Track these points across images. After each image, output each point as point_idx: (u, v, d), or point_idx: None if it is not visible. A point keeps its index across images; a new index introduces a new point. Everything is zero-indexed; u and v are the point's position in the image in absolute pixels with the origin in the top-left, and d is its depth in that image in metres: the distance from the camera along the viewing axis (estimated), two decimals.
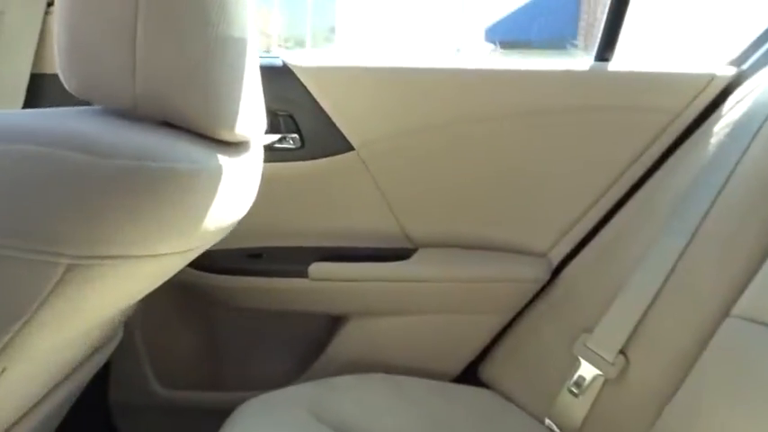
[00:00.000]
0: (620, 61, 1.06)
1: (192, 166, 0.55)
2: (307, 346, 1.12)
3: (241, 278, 1.04)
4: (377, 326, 1.07)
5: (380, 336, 1.08)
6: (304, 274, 1.03)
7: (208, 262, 1.04)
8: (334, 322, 1.11)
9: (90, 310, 0.55)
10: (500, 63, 1.03)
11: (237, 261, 1.05)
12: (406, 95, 1.01)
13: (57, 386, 0.76)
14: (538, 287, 1.05)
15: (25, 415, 0.69)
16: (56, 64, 1.01)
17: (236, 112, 0.63)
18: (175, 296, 1.08)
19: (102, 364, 0.90)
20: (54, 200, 0.46)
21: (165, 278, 0.68)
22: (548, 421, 0.92)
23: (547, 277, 1.04)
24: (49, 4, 0.98)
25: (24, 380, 0.59)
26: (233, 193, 0.65)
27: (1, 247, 0.45)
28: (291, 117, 1.01)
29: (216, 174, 0.60)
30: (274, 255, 1.07)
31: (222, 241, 1.01)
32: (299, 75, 1.00)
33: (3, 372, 0.50)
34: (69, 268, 0.47)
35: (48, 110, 0.55)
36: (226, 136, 0.63)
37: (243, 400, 0.88)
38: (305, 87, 1.00)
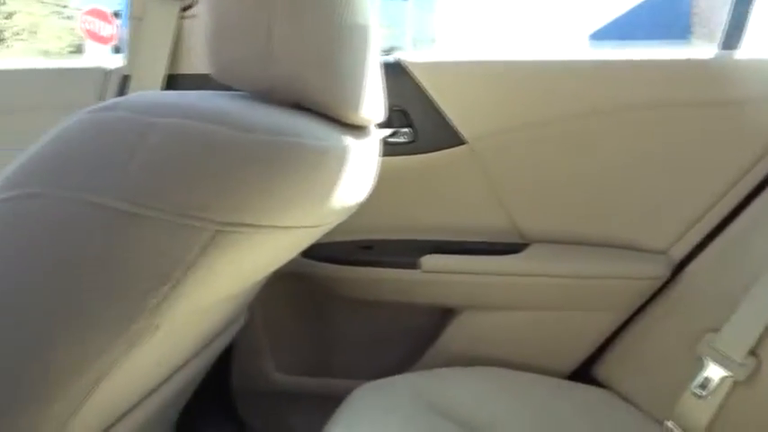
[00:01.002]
0: (750, 49, 1.01)
1: (321, 143, 0.58)
2: (416, 338, 1.13)
3: (353, 269, 1.07)
4: (488, 320, 1.06)
5: (491, 330, 1.07)
6: (415, 266, 1.04)
7: (321, 253, 1.07)
8: (444, 315, 1.11)
9: (229, 277, 0.58)
10: (617, 53, 1.00)
11: (349, 252, 1.08)
12: (520, 89, 1.00)
13: (185, 364, 0.80)
14: (657, 285, 1.01)
15: (155, 390, 0.74)
16: (190, 64, 1.07)
17: (361, 96, 0.65)
18: (291, 285, 1.12)
19: (224, 347, 0.94)
20: (202, 169, 0.49)
21: (294, 253, 0.71)
22: (670, 423, 0.87)
23: (667, 275, 1.00)
24: (183, 9, 1.05)
25: (169, 343, 0.63)
26: (355, 174, 0.67)
27: (155, 211, 0.49)
28: (404, 112, 1.03)
29: (342, 154, 0.62)
30: (385, 247, 1.08)
31: (335, 233, 1.04)
32: (412, 70, 1.02)
33: (157, 329, 0.53)
34: (214, 235, 0.50)
35: (194, 92, 0.59)
36: (351, 118, 0.65)
37: (354, 388, 0.90)
38: (418, 83, 1.02)
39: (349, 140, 0.64)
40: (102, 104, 0.51)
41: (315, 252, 1.07)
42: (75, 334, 0.50)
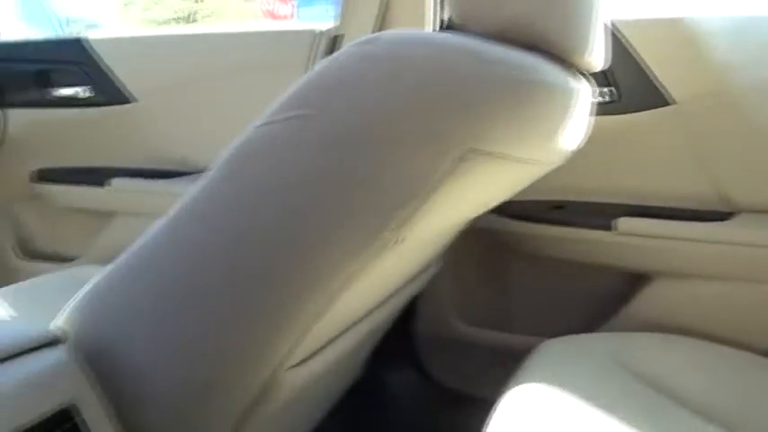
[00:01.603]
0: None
1: (554, 81, 0.60)
2: (601, 301, 1.12)
3: (544, 227, 1.08)
4: (683, 288, 1.03)
5: (686, 299, 1.03)
6: (609, 228, 1.03)
7: (513, 210, 1.09)
8: (636, 279, 1.09)
9: (466, 201, 0.62)
10: None
11: (541, 211, 1.09)
12: (736, 49, 0.95)
13: (384, 303, 0.86)
14: None
15: (357, 323, 0.80)
16: (399, 23, 1.12)
17: (589, 39, 0.66)
18: (481, 240, 1.15)
19: (415, 293, 0.99)
20: (451, 98, 0.54)
21: (519, 187, 0.74)
22: None
23: None
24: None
25: (401, 261, 0.69)
26: (577, 118, 0.68)
27: (408, 134, 0.54)
28: (607, 71, 1.02)
29: (569, 95, 0.64)
30: (577, 208, 1.08)
31: (528, 192, 1.05)
32: (620, 28, 1.00)
33: (399, 243, 0.59)
34: (458, 160, 0.54)
35: (440, 33, 0.63)
36: (578, 61, 0.66)
37: (535, 344, 0.91)
38: (624, 41, 1.00)
39: (575, 83, 0.66)
40: (364, 38, 0.57)
41: (507, 209, 1.10)
42: (333, 239, 0.57)
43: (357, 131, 0.54)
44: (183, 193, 0.62)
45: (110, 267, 0.65)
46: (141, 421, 0.61)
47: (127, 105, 1.32)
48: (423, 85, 0.54)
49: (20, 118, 1.40)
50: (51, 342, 0.59)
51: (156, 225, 0.62)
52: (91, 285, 0.65)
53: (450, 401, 1.19)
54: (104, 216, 1.37)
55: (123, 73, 1.31)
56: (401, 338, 1.23)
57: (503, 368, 0.86)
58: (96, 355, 0.61)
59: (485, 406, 0.73)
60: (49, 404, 0.54)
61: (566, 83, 0.63)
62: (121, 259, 0.64)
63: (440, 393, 1.21)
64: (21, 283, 1.04)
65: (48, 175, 1.41)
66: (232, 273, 0.60)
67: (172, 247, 0.62)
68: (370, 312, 0.83)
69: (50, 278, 1.09)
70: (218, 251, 0.60)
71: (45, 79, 1.36)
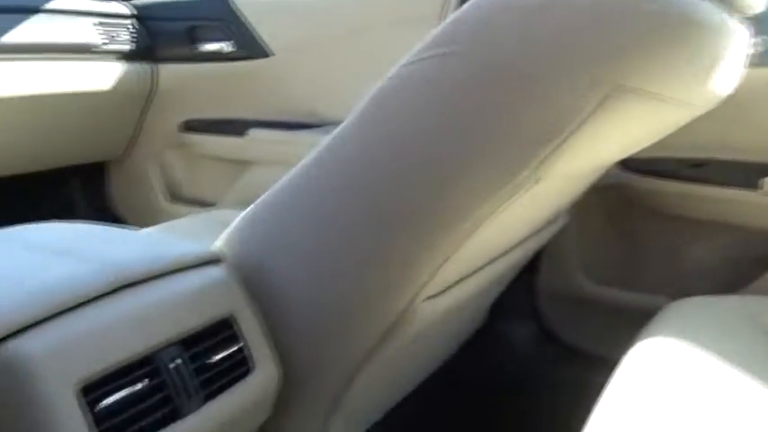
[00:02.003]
0: None
1: (710, 19, 0.58)
2: (741, 263, 1.07)
3: (679, 184, 1.04)
4: None
5: None
6: (755, 187, 0.98)
7: (645, 166, 1.06)
8: None
9: (611, 142, 0.62)
10: None
11: (676, 168, 1.05)
12: None
13: (511, 250, 0.87)
14: None
15: (481, 269, 0.81)
16: None
17: None
18: (609, 197, 1.13)
19: (541, 246, 0.99)
20: (599, 34, 0.53)
21: (663, 133, 0.73)
22: None
23: None
24: None
25: (533, 206, 0.70)
26: (731, 60, 0.66)
27: (552, 72, 0.54)
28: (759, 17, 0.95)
29: (724, 34, 0.61)
30: (718, 166, 1.03)
31: (665, 148, 1.01)
32: None
33: (536, 183, 0.60)
34: (605, 97, 0.54)
35: None
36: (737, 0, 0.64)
37: (662, 305, 0.88)
38: None
39: (732, 24, 0.63)
40: None
41: (638, 165, 1.07)
42: (472, 177, 0.58)
43: (502, 67, 0.55)
44: (317, 144, 0.66)
45: (261, 199, 0.71)
46: (288, 337, 0.67)
47: (266, 59, 1.39)
48: (571, 20, 0.54)
49: (170, 72, 1.51)
50: (213, 260, 0.65)
51: (306, 161, 0.67)
52: (244, 215, 0.71)
53: (570, 358, 1.19)
54: (242, 165, 1.47)
55: (263, 29, 1.38)
56: (523, 293, 1.23)
57: (626, 328, 0.84)
58: (250, 276, 0.67)
59: (606, 364, 0.71)
60: (211, 314, 0.60)
61: (723, 22, 0.61)
62: (273, 192, 0.69)
63: (559, 349, 1.21)
64: (167, 222, 1.14)
65: (193, 126, 1.52)
66: (373, 208, 0.64)
67: (319, 183, 0.66)
68: (497, 258, 0.84)
69: (193, 219, 1.19)
70: (361, 186, 0.64)
71: (192, 36, 1.46)
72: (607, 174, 0.85)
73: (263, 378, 0.63)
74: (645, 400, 0.60)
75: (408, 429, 1.12)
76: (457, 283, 0.75)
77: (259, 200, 0.71)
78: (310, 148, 0.67)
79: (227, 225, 0.71)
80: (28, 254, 0.58)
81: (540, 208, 0.79)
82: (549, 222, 0.97)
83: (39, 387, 0.47)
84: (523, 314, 1.24)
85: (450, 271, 0.68)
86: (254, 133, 1.41)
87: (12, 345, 0.48)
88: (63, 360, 0.49)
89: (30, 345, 0.48)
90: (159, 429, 0.53)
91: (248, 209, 0.71)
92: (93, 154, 1.58)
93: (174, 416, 0.54)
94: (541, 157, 0.57)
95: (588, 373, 0.81)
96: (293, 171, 0.68)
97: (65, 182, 1.63)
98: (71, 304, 0.52)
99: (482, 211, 0.61)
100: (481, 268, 0.80)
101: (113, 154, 1.60)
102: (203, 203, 1.54)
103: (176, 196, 1.58)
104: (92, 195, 1.65)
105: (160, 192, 1.57)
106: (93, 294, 0.53)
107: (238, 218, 0.71)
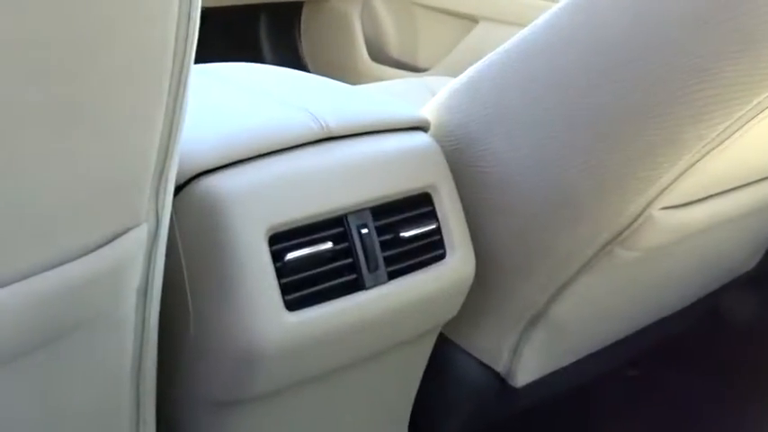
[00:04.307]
0: None
1: None
2: None
3: None
4: None
5: None
6: None
7: None
8: None
9: None
10: None
11: None
12: None
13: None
14: None
15: (737, 189, 0.82)
16: None
17: None
18: None
19: None
20: None
21: None
22: None
23: None
24: None
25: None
26: None
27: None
28: None
29: None
30: None
31: None
32: None
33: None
34: None
35: None
36: None
37: None
38: None
39: None
40: None
41: None
42: (728, 71, 0.62)
43: None
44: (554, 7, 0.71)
45: (477, 65, 0.78)
46: (491, 225, 0.76)
47: None
48: None
49: None
50: (420, 126, 0.76)
51: (539, 22, 0.72)
52: (457, 81, 0.80)
53: None
54: (467, 21, 1.54)
55: None
56: None
57: None
58: (455, 150, 0.76)
59: None
60: (411, 184, 0.70)
61: None
62: (489, 59, 0.76)
63: None
64: (370, 84, 1.26)
65: None
66: (609, 88, 0.68)
67: (546, 51, 0.72)
68: (755, 182, 0.85)
69: (400, 83, 1.29)
70: (604, 53, 0.69)
71: None
72: None
73: (458, 266, 0.73)
74: None
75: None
76: (703, 199, 0.78)
77: (476, 65, 0.78)
78: (546, 9, 0.72)
79: (436, 92, 0.78)
80: (231, 92, 0.72)
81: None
82: None
83: (228, 227, 0.60)
84: None
85: (696, 181, 0.72)
86: None
87: (206, 182, 0.61)
88: (256, 203, 0.61)
89: (225, 183, 0.61)
90: (340, 296, 0.66)
91: (463, 74, 0.79)
92: None
93: (357, 286, 0.67)
94: None
95: None
96: (521, 33, 0.74)
97: (251, 23, 1.80)
98: (271, 149, 0.64)
99: (737, 115, 0.64)
100: (735, 189, 0.82)
101: None
102: (414, 68, 1.64)
103: (382, 56, 1.69)
104: (281, 44, 1.81)
105: (362, 49, 1.69)
106: (295, 142, 0.65)
107: (450, 83, 0.80)
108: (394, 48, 1.69)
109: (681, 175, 0.69)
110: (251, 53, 1.76)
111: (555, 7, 0.71)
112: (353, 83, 1.25)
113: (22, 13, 0.35)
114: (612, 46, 0.68)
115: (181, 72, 0.46)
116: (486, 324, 0.82)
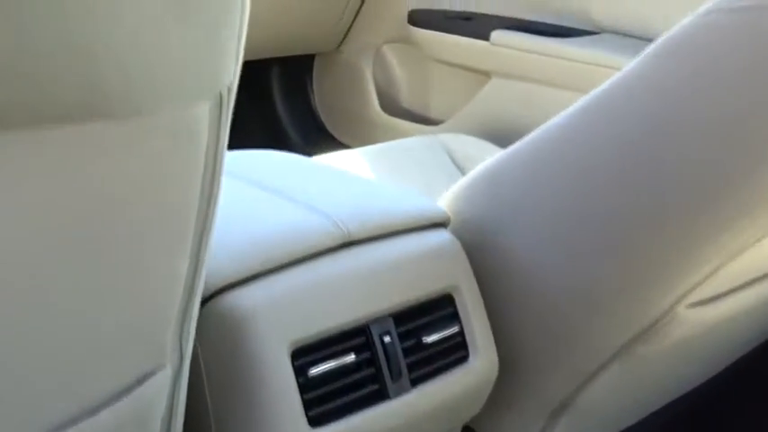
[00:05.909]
0: None
1: None
2: None
3: None
4: None
5: None
6: None
7: None
8: None
9: None
10: None
11: None
12: None
13: None
14: None
15: (758, 281, 0.81)
16: None
17: None
18: None
19: None
20: None
21: None
22: None
23: None
24: None
25: None
26: None
27: None
28: None
29: None
30: None
31: None
32: None
33: None
34: None
35: None
36: None
37: None
38: None
39: None
40: None
41: None
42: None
43: None
44: (577, 58, 0.70)
45: (499, 154, 0.78)
46: (515, 321, 0.75)
47: None
48: None
49: None
50: (441, 223, 0.75)
51: (571, 109, 0.72)
52: (476, 171, 0.79)
53: None
54: (479, 75, 1.54)
55: None
56: None
57: None
58: (476, 245, 0.76)
59: None
60: (433, 285, 0.70)
61: None
62: (515, 147, 0.76)
63: None
64: (384, 144, 1.26)
65: (422, 18, 1.61)
66: (642, 179, 0.68)
67: (578, 140, 0.72)
68: None
69: (415, 142, 1.30)
70: (629, 153, 0.69)
71: None
72: None
73: (481, 367, 0.72)
74: None
75: None
76: (741, 287, 0.77)
77: (497, 156, 0.78)
78: (568, 64, 0.71)
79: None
80: (248, 194, 0.72)
81: None
82: None
83: (251, 345, 0.60)
84: None
85: (732, 272, 0.71)
86: (498, 36, 1.47)
87: (229, 297, 0.61)
88: (278, 319, 0.61)
89: (247, 299, 0.61)
90: (363, 408, 0.65)
91: (482, 164, 0.79)
92: (303, 45, 1.74)
93: (381, 396, 0.66)
94: None
95: None
96: (546, 124, 0.74)
97: (264, 75, 1.82)
98: (292, 258, 0.64)
99: None
100: (763, 278, 0.81)
101: (324, 46, 1.74)
102: (426, 120, 1.64)
103: (393, 108, 1.70)
104: (293, 96, 1.83)
105: (374, 99, 1.69)
106: (316, 249, 0.65)
107: (469, 174, 0.79)
108: (406, 100, 1.70)
109: (711, 274, 0.69)
110: (264, 105, 1.78)
111: (589, 95, 0.71)
112: (365, 134, 1.24)
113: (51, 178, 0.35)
114: (647, 144, 0.68)
115: (204, 226, 0.46)
116: (510, 415, 0.82)
